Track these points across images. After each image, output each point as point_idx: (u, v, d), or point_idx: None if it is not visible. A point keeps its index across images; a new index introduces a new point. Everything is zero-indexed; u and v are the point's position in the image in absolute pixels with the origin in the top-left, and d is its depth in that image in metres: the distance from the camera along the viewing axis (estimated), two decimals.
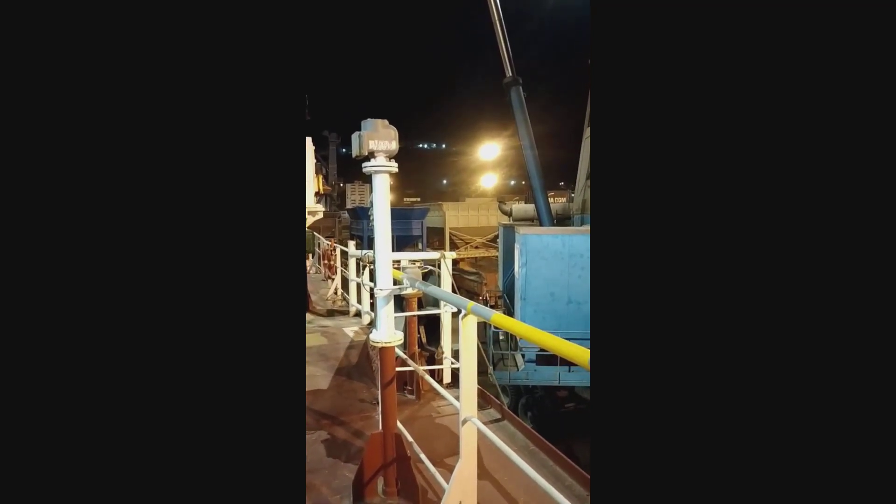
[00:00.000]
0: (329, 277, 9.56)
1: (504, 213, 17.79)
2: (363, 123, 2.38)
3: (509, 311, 11.36)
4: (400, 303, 3.85)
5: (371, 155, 2.37)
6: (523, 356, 9.91)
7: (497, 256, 15.87)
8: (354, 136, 2.41)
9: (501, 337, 10.73)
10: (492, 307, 13.20)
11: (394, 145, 2.40)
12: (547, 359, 9.49)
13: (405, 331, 3.93)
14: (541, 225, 13.16)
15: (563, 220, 13.75)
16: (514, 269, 10.29)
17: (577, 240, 9.60)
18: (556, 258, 9.62)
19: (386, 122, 2.39)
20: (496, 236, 19.29)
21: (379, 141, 2.36)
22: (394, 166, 2.42)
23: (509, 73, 13.75)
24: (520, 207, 17.57)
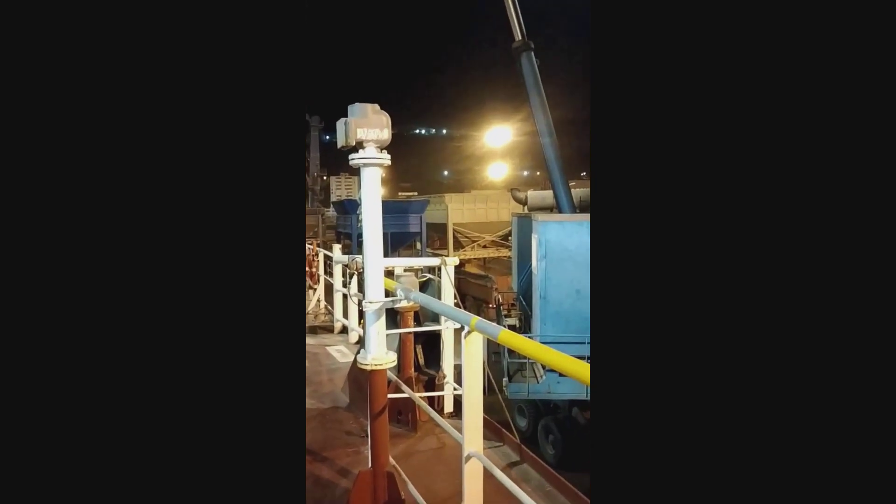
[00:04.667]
0: (310, 287, 9.54)
1: (518, 201, 17.59)
2: (350, 108, 2.38)
3: (527, 316, 11.27)
4: (393, 318, 3.89)
5: (359, 145, 2.38)
6: (543, 366, 9.90)
7: (510, 256, 15.82)
8: (340, 123, 2.40)
9: None
10: (506, 316, 13.06)
11: (385, 134, 2.40)
12: None
13: (399, 351, 3.96)
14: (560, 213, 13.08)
15: (586, 208, 13.64)
16: (531, 266, 10.14)
17: None
18: (581, 249, 9.26)
19: (377, 106, 2.39)
20: (508, 233, 19.21)
21: (368, 129, 2.36)
22: (386, 158, 2.43)
23: (519, 36, 13.59)
24: (536, 194, 17.37)
